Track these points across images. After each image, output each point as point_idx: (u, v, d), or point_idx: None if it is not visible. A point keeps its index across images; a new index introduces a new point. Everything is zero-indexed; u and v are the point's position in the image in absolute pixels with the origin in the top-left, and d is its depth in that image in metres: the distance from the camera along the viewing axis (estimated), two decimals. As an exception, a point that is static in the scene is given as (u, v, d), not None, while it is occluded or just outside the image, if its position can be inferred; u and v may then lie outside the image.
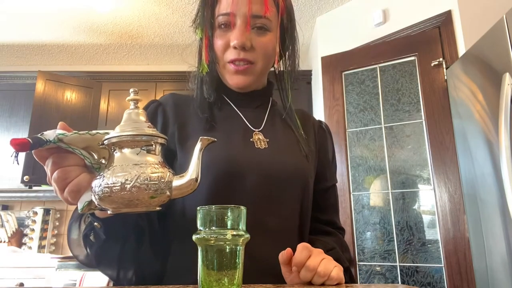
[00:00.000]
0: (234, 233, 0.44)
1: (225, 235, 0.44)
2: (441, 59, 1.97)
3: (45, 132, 0.45)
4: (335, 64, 2.34)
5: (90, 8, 2.51)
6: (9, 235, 2.74)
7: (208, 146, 0.50)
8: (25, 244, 2.72)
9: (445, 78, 1.94)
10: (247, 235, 0.46)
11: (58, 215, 2.91)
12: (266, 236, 0.67)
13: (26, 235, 2.74)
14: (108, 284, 2.10)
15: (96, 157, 0.47)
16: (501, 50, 1.44)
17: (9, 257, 2.39)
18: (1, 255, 2.40)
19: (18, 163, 0.46)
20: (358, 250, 2.07)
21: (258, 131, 0.76)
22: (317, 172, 0.81)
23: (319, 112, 2.46)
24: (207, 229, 0.45)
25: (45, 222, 2.79)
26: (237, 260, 0.45)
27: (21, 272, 2.24)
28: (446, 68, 1.94)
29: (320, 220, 0.81)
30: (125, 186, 0.42)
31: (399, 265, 1.94)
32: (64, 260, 2.27)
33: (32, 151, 0.45)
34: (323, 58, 2.39)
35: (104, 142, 0.46)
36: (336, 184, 0.87)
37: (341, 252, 0.74)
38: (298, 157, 0.76)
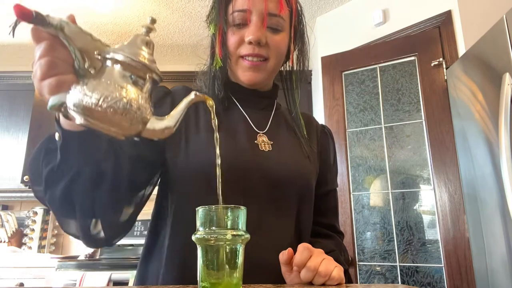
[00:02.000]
0: (234, 233, 0.44)
1: (225, 235, 0.44)
2: (441, 59, 1.97)
3: (51, 15, 0.43)
4: (335, 64, 2.34)
5: (90, 8, 2.51)
6: (9, 235, 2.74)
7: (197, 103, 0.51)
8: (25, 244, 2.72)
9: (445, 78, 1.94)
10: (247, 235, 0.46)
11: (58, 215, 2.91)
12: (267, 236, 0.67)
13: (26, 235, 2.74)
14: (108, 284, 2.10)
15: (86, 65, 0.45)
16: (501, 50, 1.44)
17: (9, 257, 2.39)
18: (1, 255, 2.40)
19: (13, 36, 0.43)
20: (358, 250, 2.06)
21: (263, 133, 0.76)
22: (318, 176, 0.81)
23: (319, 112, 2.46)
24: (207, 229, 0.45)
25: (45, 222, 2.79)
26: (237, 260, 0.45)
27: (21, 272, 2.24)
28: (446, 68, 1.94)
29: (320, 223, 0.82)
30: (103, 103, 0.41)
31: (399, 265, 1.94)
32: (64, 260, 2.27)
33: (31, 27, 0.43)
34: (323, 58, 2.39)
35: (102, 54, 0.44)
36: (337, 188, 0.88)
37: (340, 255, 0.75)
38: (301, 160, 0.77)
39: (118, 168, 0.58)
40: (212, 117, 0.53)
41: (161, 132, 0.46)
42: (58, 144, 0.52)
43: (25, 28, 0.44)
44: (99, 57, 0.44)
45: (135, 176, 0.64)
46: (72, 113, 0.42)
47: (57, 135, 0.52)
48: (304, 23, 0.82)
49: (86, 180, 0.55)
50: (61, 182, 0.54)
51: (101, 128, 0.42)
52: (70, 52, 0.44)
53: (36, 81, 0.44)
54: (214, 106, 0.53)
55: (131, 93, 0.42)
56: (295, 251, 0.60)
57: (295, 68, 0.82)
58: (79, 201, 0.56)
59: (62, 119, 0.50)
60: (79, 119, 0.42)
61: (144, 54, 0.45)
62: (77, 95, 0.41)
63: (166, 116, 0.47)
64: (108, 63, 0.44)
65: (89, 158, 0.54)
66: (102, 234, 0.61)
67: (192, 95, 0.50)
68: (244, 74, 0.74)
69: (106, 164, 0.57)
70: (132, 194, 0.64)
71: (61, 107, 0.44)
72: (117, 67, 0.43)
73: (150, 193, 0.71)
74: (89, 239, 0.60)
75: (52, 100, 0.44)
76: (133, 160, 0.63)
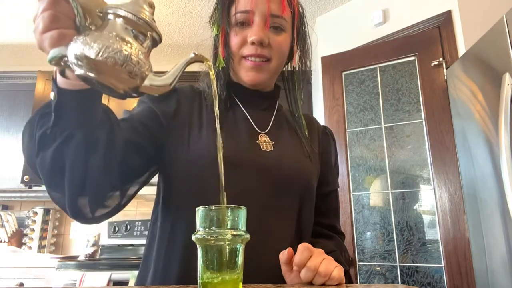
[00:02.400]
0: (234, 233, 0.44)
1: (225, 235, 0.44)
2: (441, 59, 1.97)
3: None
4: (335, 64, 2.34)
5: (90, 8, 2.50)
6: (9, 235, 2.74)
7: (195, 61, 0.51)
8: (25, 244, 2.72)
9: (445, 78, 1.94)
10: (247, 235, 0.46)
11: (58, 215, 2.91)
12: (267, 236, 0.67)
13: (26, 235, 2.74)
14: (108, 284, 2.10)
15: (88, 22, 0.45)
16: (501, 50, 1.44)
17: (9, 257, 2.39)
18: (1, 255, 2.40)
19: None
20: (358, 250, 2.06)
21: (264, 133, 0.77)
22: (319, 176, 0.81)
23: (319, 112, 2.46)
24: (207, 229, 0.45)
25: (45, 222, 2.79)
26: (237, 260, 0.45)
27: (21, 272, 2.24)
28: (446, 68, 1.94)
29: (320, 224, 0.82)
30: (104, 53, 0.41)
31: (399, 265, 1.94)
32: (64, 260, 2.27)
33: None
34: (323, 58, 2.39)
35: (104, 10, 0.44)
36: (338, 189, 0.88)
37: (340, 255, 0.75)
38: (303, 160, 0.77)
39: (112, 140, 0.57)
40: (212, 78, 0.54)
41: (157, 89, 0.47)
42: (52, 104, 0.51)
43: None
44: (101, 14, 0.45)
45: (129, 158, 0.63)
46: (72, 65, 0.43)
47: (52, 94, 0.51)
48: (306, 24, 0.83)
49: (78, 144, 0.53)
50: (53, 144, 0.53)
51: (100, 79, 0.42)
52: (72, 8, 0.44)
53: (37, 34, 0.44)
54: (212, 68, 0.55)
55: (132, 46, 0.43)
56: (295, 251, 0.60)
57: (297, 69, 0.82)
58: (69, 166, 0.54)
59: (59, 78, 0.50)
60: (78, 70, 0.42)
61: (146, 12, 0.46)
62: (78, 46, 0.42)
63: (164, 73, 0.48)
64: (110, 17, 0.44)
65: (84, 121, 0.53)
66: (89, 214, 0.60)
67: (191, 54, 0.50)
68: (246, 75, 0.75)
69: (100, 132, 0.55)
70: (122, 177, 0.63)
71: (61, 60, 0.44)
72: (119, 20, 0.44)
73: (136, 193, 0.69)
74: (75, 214, 0.59)
75: (52, 53, 0.44)
76: (129, 143, 0.63)
